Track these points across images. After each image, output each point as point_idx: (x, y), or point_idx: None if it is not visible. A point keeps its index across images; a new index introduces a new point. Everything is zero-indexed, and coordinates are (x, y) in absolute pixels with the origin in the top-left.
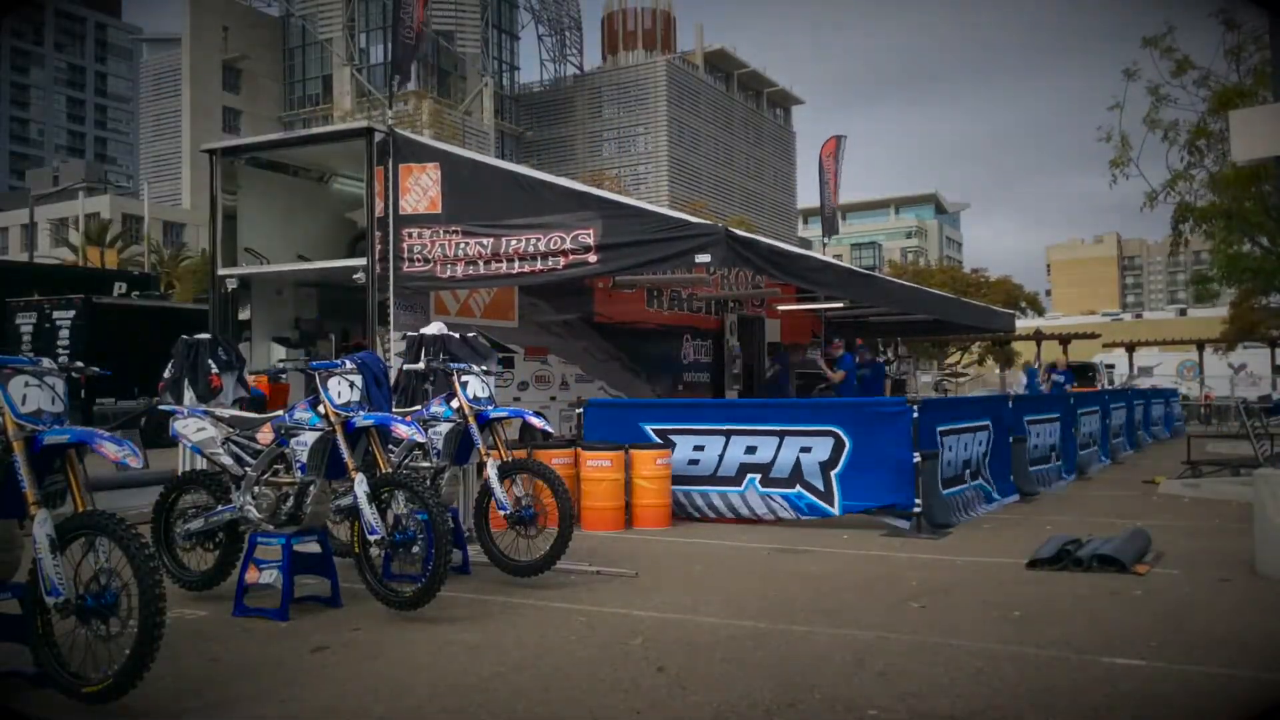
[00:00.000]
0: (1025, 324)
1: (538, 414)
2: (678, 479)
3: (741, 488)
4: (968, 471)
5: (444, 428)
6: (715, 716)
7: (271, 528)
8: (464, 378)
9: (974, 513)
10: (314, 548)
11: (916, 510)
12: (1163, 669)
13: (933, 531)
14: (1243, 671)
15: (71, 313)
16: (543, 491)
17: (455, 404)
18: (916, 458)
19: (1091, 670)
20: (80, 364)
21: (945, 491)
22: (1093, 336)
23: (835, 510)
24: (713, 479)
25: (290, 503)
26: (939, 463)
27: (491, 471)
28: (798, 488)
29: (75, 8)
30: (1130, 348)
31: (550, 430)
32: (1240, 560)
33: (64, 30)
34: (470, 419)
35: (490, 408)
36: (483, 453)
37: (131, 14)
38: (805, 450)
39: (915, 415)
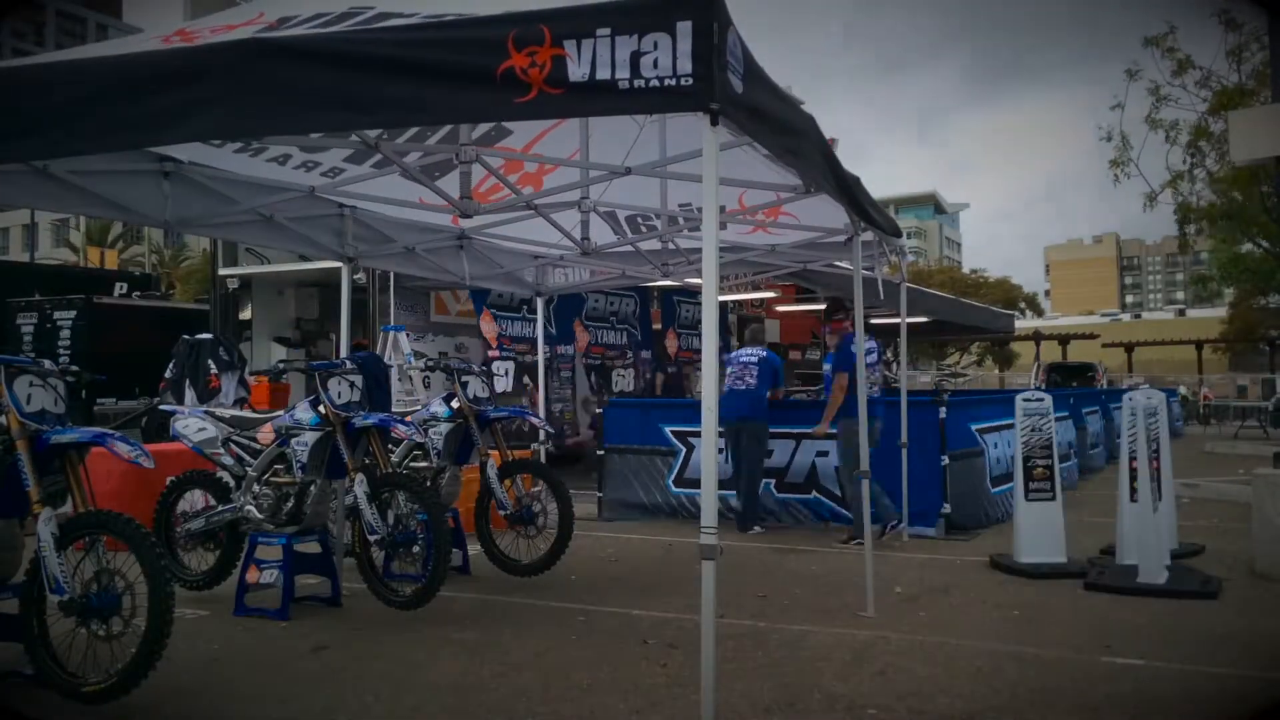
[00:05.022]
0: (1024, 324)
1: (536, 414)
2: (691, 483)
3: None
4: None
5: (444, 428)
6: (715, 717)
7: (272, 528)
8: (464, 378)
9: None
10: (314, 548)
11: (945, 513)
12: (1162, 669)
13: (961, 534)
14: (1243, 671)
15: (73, 313)
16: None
17: (456, 404)
18: (945, 460)
19: (1091, 670)
20: (75, 368)
21: (994, 490)
22: (1092, 337)
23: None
24: (728, 483)
25: (291, 503)
26: (986, 459)
27: (492, 471)
28: (814, 493)
29: (75, 8)
30: (1129, 348)
31: (551, 430)
32: (1240, 560)
33: (65, 31)
34: (471, 419)
35: (490, 408)
36: (483, 452)
37: (132, 15)
38: (821, 454)
39: (943, 415)
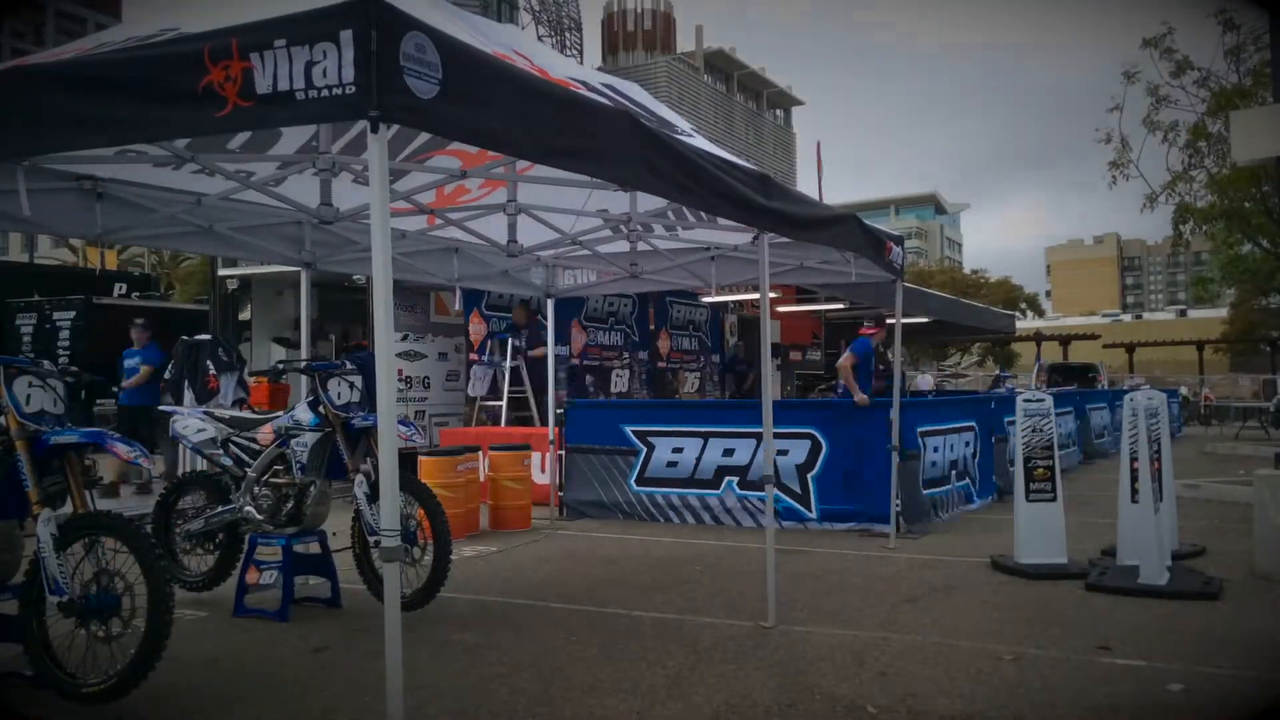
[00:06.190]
0: (1025, 325)
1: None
2: (656, 481)
3: (719, 490)
4: (953, 472)
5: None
6: (715, 717)
7: (272, 529)
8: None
9: (954, 513)
10: (314, 548)
11: (896, 511)
12: (1163, 669)
13: (911, 532)
14: (1243, 671)
15: (72, 313)
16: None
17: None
18: (895, 459)
19: (1091, 670)
20: (75, 369)
21: (927, 492)
22: (1093, 337)
23: (812, 514)
24: (690, 482)
25: (290, 504)
26: (921, 463)
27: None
28: (775, 490)
29: (75, 8)
30: (1130, 349)
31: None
32: (1240, 560)
33: (64, 31)
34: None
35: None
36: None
37: (132, 15)
38: (782, 453)
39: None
